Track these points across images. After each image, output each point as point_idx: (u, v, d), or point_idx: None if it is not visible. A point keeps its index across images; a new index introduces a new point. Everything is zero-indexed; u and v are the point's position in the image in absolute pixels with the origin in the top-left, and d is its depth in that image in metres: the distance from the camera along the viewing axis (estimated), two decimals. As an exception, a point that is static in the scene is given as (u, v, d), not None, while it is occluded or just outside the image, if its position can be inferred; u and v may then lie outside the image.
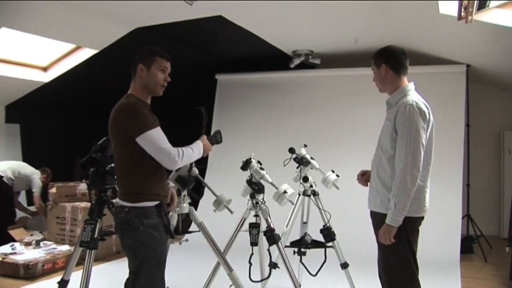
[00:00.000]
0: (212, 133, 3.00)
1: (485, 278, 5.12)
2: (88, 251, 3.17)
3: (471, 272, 5.34)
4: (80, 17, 5.26)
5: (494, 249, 6.37)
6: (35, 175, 6.52)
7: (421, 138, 2.53)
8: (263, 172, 3.64)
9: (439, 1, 4.36)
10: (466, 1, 3.56)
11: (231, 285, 3.30)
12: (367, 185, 2.97)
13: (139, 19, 5.49)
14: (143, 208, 2.47)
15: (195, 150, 2.62)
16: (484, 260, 5.81)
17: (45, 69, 6.82)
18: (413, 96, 2.65)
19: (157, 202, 2.53)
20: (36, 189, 6.47)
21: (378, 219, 2.66)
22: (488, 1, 4.16)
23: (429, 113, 2.62)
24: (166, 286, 2.60)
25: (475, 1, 3.68)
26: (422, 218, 2.69)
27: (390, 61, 2.72)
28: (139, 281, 2.46)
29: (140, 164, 2.46)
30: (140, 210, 2.46)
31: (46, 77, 6.81)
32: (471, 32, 5.06)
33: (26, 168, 6.52)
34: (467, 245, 6.16)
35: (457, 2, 3.71)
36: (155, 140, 2.42)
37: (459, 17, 3.80)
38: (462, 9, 3.68)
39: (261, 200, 3.58)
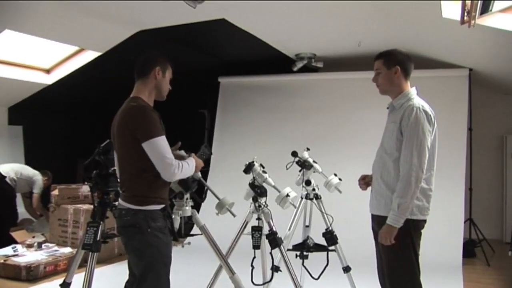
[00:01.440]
0: (204, 143, 3.04)
1: (488, 282, 5.11)
2: (90, 253, 3.17)
3: (474, 276, 5.33)
4: (83, 19, 5.27)
5: (497, 253, 6.35)
6: (38, 176, 6.55)
7: (427, 140, 2.58)
8: (265, 175, 3.64)
9: (442, 5, 4.36)
10: (469, 5, 3.56)
11: (233, 288, 3.30)
12: (366, 189, 2.98)
13: (143, 21, 5.49)
14: (150, 211, 2.49)
15: (190, 166, 2.63)
16: (487, 264, 5.80)
17: (48, 71, 6.83)
18: (418, 100, 2.70)
19: (162, 206, 2.56)
20: (37, 190, 6.51)
21: (382, 222, 2.66)
22: (491, 5, 4.16)
23: (433, 117, 2.66)
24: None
25: (478, 6, 3.68)
26: (425, 221, 2.70)
27: (403, 64, 2.75)
28: (146, 283, 2.47)
29: (149, 168, 2.46)
30: (148, 213, 2.47)
31: (49, 79, 6.82)
32: (474, 36, 5.06)
33: (28, 170, 6.55)
34: (470, 249, 6.15)
35: (460, 6, 3.71)
36: (161, 148, 2.44)
37: (462, 21, 3.80)
38: (465, 13, 3.68)
39: (264, 203, 3.57)
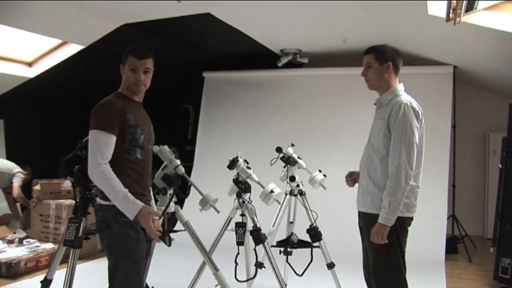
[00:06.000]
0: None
1: (469, 278, 5.16)
2: (72, 250, 3.13)
3: (456, 272, 5.38)
4: (66, 12, 5.19)
5: (479, 249, 6.42)
6: (18, 169, 6.45)
7: (415, 137, 2.57)
8: (249, 171, 3.62)
9: (427, 2, 4.37)
10: (455, 3, 3.57)
11: (216, 285, 3.27)
12: (352, 186, 2.97)
13: (127, 15, 5.42)
14: None
15: (117, 195, 2.33)
16: (469, 260, 5.86)
17: (30, 64, 6.72)
18: (406, 96, 2.69)
19: None
20: (17, 181, 6.35)
21: (368, 219, 2.66)
22: (476, 3, 4.18)
23: (421, 114, 2.66)
24: (151, 286, 2.56)
25: (464, 3, 3.69)
26: (412, 218, 2.70)
27: (395, 61, 2.74)
28: (116, 280, 2.41)
29: (119, 161, 2.43)
30: (116, 208, 2.36)
31: (31, 73, 6.71)
32: (459, 33, 5.09)
33: (8, 163, 6.45)
34: (452, 245, 6.21)
35: (445, 3, 3.72)
36: (98, 141, 2.38)
37: (448, 18, 3.81)
38: (451, 11, 3.69)
39: (248, 199, 3.56)
